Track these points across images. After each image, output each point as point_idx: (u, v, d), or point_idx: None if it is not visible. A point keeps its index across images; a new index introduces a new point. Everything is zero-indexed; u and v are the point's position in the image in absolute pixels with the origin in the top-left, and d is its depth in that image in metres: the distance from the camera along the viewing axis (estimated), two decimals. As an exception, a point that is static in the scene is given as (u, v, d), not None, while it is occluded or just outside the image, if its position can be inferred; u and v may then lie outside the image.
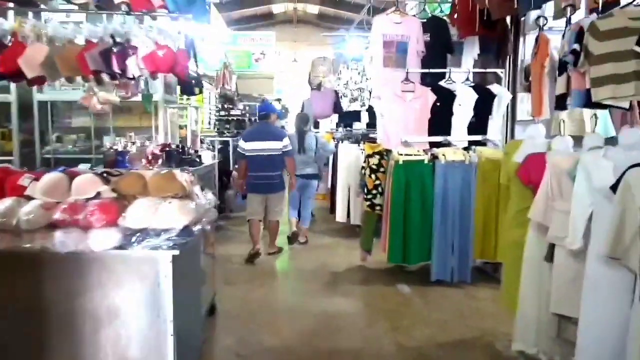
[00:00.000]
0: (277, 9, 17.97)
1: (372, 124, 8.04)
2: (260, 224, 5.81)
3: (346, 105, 6.87)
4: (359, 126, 8.46)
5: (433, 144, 5.06)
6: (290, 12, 18.24)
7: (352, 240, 6.55)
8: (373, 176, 5.28)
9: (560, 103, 3.25)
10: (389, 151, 5.07)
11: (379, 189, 5.27)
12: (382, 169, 5.23)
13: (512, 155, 3.44)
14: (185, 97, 6.11)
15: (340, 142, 7.25)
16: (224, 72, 8.17)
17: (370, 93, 6.57)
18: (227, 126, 11.74)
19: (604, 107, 2.83)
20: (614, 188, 2.33)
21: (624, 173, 2.29)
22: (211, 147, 7.66)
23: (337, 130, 8.64)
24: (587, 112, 4.52)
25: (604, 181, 2.42)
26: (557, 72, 3.21)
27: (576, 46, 2.66)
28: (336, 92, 7.71)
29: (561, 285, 2.74)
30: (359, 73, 6.69)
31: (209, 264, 3.91)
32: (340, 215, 7.02)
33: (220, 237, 6.92)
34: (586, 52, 2.59)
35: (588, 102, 2.80)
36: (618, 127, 4.25)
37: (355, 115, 7.20)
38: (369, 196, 5.32)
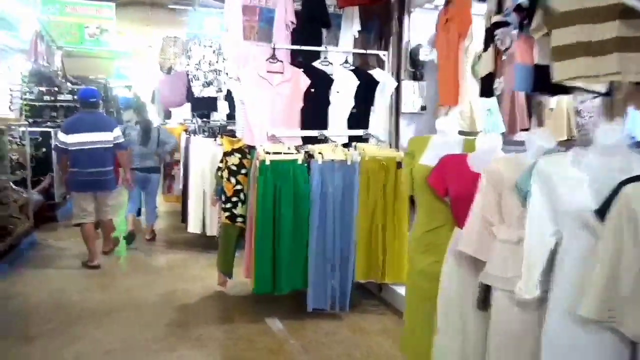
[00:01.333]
0: None
1: (233, 115, 6.87)
2: (92, 227, 5.16)
3: (198, 91, 5.59)
4: (218, 117, 7.29)
5: (307, 140, 4.09)
6: None
7: (209, 255, 5.38)
8: (233, 180, 4.15)
9: (486, 87, 2.47)
10: (252, 148, 3.98)
11: (241, 195, 4.16)
12: (243, 171, 4.13)
13: (417, 156, 2.58)
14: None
15: (193, 135, 5.95)
16: (36, 43, 6.30)
17: (228, 75, 5.40)
18: (54, 114, 9.63)
19: (566, 91, 2.08)
20: (600, 213, 1.53)
21: (616, 191, 1.49)
22: (18, 140, 5.81)
23: (192, 121, 7.32)
24: (479, 105, 3.93)
25: (577, 201, 1.62)
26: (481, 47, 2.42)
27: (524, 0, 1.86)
28: (187, 76, 6.38)
29: (501, 350, 1.91)
30: (214, 51, 5.46)
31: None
32: (193, 225, 5.75)
33: (31, 258, 5.23)
34: (545, 8, 1.78)
35: (539, 85, 2.02)
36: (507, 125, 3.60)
37: (211, 103, 5.95)
38: (228, 205, 4.18)
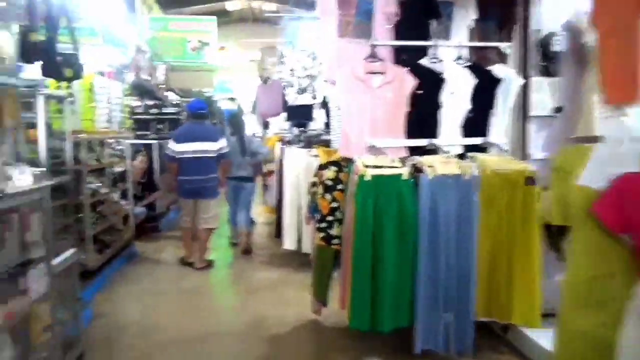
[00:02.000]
0: (231, 6, 16.27)
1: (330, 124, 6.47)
2: (192, 231, 5.42)
3: (293, 99, 5.23)
4: (315, 126, 6.96)
5: (413, 151, 3.50)
6: (246, 9, 16.55)
7: (304, 274, 4.95)
8: (328, 196, 3.67)
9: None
10: (349, 161, 3.48)
11: (337, 214, 3.67)
12: (340, 186, 3.63)
13: (572, 173, 1.90)
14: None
15: (288, 145, 5.61)
16: (137, 57, 6.39)
17: (323, 80, 4.97)
18: (160, 126, 9.96)
19: None
20: None
21: None
22: (119, 153, 5.85)
23: (288, 131, 7.05)
24: None
25: None
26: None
27: None
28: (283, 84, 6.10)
29: None
30: (308, 56, 5.07)
31: None
32: (289, 242, 5.38)
33: (127, 272, 5.15)
34: None
35: None
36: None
37: (306, 111, 5.57)
38: (323, 224, 3.71)
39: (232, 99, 16.78)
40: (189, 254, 5.42)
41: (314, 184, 3.84)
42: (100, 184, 5.29)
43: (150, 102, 9.83)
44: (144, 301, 4.49)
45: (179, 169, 5.20)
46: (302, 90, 5.15)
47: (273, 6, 16.36)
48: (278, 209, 5.68)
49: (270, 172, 7.02)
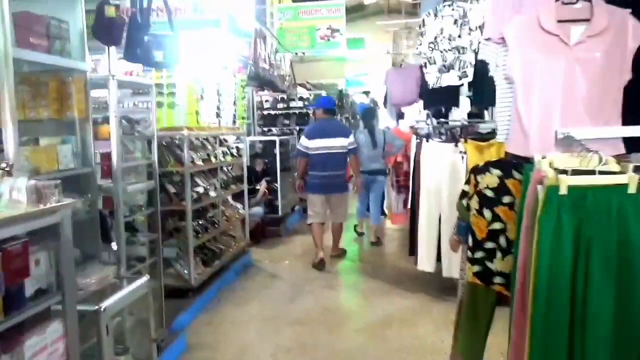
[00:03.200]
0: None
1: (475, 114, 5.14)
2: (322, 228, 5.43)
3: (434, 79, 4.04)
4: (458, 115, 5.73)
5: (636, 145, 2.15)
6: (382, 3, 15.64)
7: (445, 304, 3.86)
8: (487, 213, 2.48)
9: None
10: (524, 161, 2.25)
11: (501, 240, 2.47)
12: (507, 199, 2.43)
13: None
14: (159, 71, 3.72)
15: (425, 140, 4.44)
16: (256, 44, 5.70)
17: (476, 54, 3.68)
18: (286, 121, 9.43)
19: None
20: None
21: None
22: (235, 150, 5.22)
23: (425, 122, 5.89)
24: None
25: None
26: None
27: None
28: (421, 68, 4.91)
29: None
30: (455, 21, 3.84)
31: None
32: (424, 262, 4.24)
33: (238, 288, 4.44)
34: None
35: None
36: None
37: (450, 95, 4.36)
38: (479, 254, 2.53)
39: (366, 93, 16.09)
40: (319, 249, 5.34)
41: (464, 194, 2.66)
42: (209, 186, 4.66)
43: (278, 96, 9.36)
44: (248, 331, 3.71)
45: (310, 165, 5.31)
46: (446, 68, 3.95)
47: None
48: (412, 220, 4.55)
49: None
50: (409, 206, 7.01)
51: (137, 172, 3.09)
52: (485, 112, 5.12)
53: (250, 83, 5.78)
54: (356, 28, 14.36)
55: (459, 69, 3.98)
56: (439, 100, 4.70)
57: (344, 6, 9.52)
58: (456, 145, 4.03)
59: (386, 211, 6.65)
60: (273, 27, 9.19)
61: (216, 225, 4.75)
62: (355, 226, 6.67)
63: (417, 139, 5.09)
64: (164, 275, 4.16)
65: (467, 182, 2.64)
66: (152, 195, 3.12)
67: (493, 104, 4.67)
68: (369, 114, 6.38)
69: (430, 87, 4.19)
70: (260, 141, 7.36)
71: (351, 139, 5.39)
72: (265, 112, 9.44)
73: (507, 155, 2.42)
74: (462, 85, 4.26)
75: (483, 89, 4.23)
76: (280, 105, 9.51)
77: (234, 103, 5.04)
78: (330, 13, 9.82)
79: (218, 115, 4.57)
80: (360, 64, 15.08)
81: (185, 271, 4.10)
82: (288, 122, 9.46)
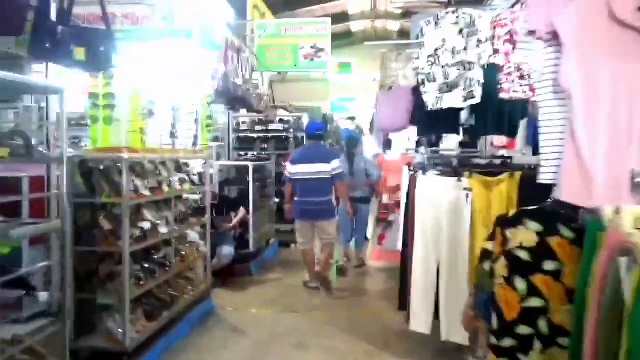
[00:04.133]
0: (355, 27, 15.28)
1: (466, 143, 4.46)
2: (312, 253, 5.39)
3: (433, 99, 3.33)
4: (448, 144, 5.15)
5: None
6: (369, 30, 15.43)
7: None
8: (521, 284, 1.74)
9: None
10: (578, 212, 1.52)
11: (540, 324, 1.72)
12: (551, 266, 1.69)
13: None
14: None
15: (422, 172, 3.70)
16: (226, 54, 4.96)
17: (485, 71, 2.95)
18: (264, 145, 8.69)
19: None
20: None
21: None
22: (197, 177, 4.42)
23: (416, 150, 5.23)
24: None
25: None
26: None
27: None
28: (415, 91, 4.19)
29: None
30: (460, 31, 3.14)
31: None
32: (419, 322, 3.46)
33: (189, 347, 3.58)
34: None
35: None
36: None
37: (450, 120, 3.63)
38: (507, 341, 1.78)
39: (351, 118, 15.58)
40: (312, 277, 5.33)
41: (486, 255, 1.92)
42: (160, 220, 3.85)
43: (257, 118, 8.62)
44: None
45: (295, 191, 5.27)
46: (448, 87, 3.25)
47: (397, 25, 14.92)
48: (403, 268, 3.78)
49: (397, 204, 5.70)
50: (385, 244, 6.43)
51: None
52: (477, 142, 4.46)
53: (217, 100, 5.03)
54: (343, 54, 13.93)
55: (465, 88, 3.27)
56: (435, 125, 3.98)
57: (330, 24, 8.91)
58: (459, 180, 3.30)
59: (369, 239, 6.54)
60: (254, 44, 8.53)
61: (167, 268, 3.91)
62: (337, 269, 5.82)
63: (409, 170, 4.36)
64: (94, 335, 3.35)
65: (492, 237, 1.90)
66: (59, 238, 2.31)
67: (495, 132, 4.08)
68: (351, 144, 6.35)
69: (429, 109, 3.46)
70: (234, 166, 6.57)
71: (335, 164, 5.20)
72: (241, 135, 8.69)
73: (554, 204, 1.69)
74: (463, 108, 3.56)
75: (486, 113, 3.58)
76: (258, 128, 8.77)
77: (196, 121, 4.25)
78: (315, 31, 9.19)
79: (173, 135, 3.78)
80: (346, 89, 14.59)
81: (120, 330, 3.25)
82: (266, 146, 8.72)
